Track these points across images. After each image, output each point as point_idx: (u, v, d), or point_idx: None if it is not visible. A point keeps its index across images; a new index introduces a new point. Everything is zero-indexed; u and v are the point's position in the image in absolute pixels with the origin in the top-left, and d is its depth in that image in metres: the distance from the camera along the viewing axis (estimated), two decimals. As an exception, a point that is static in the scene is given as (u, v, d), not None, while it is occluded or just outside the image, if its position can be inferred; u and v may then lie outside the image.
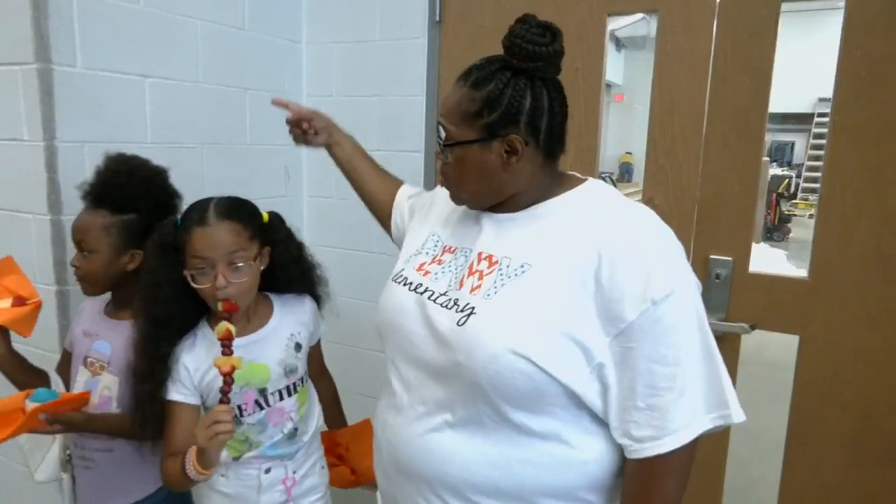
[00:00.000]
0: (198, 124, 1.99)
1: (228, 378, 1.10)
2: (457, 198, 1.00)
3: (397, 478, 0.97)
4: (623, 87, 16.50)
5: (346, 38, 2.28)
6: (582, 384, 0.84)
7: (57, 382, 1.39)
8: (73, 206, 1.65)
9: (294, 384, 1.32)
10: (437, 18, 2.10)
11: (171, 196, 1.48)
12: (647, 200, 1.83)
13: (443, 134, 0.94)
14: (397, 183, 1.38)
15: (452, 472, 0.90)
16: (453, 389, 0.89)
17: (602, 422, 0.88)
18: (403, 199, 1.32)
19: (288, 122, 1.41)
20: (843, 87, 1.54)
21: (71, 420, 1.23)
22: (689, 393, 0.84)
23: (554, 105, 0.92)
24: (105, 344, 1.38)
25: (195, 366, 1.24)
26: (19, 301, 1.30)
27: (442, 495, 0.91)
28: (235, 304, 1.18)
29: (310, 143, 1.41)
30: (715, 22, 1.66)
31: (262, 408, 1.27)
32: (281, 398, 1.29)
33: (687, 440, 0.84)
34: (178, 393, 1.23)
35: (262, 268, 1.27)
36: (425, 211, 1.17)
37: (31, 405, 1.15)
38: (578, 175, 1.00)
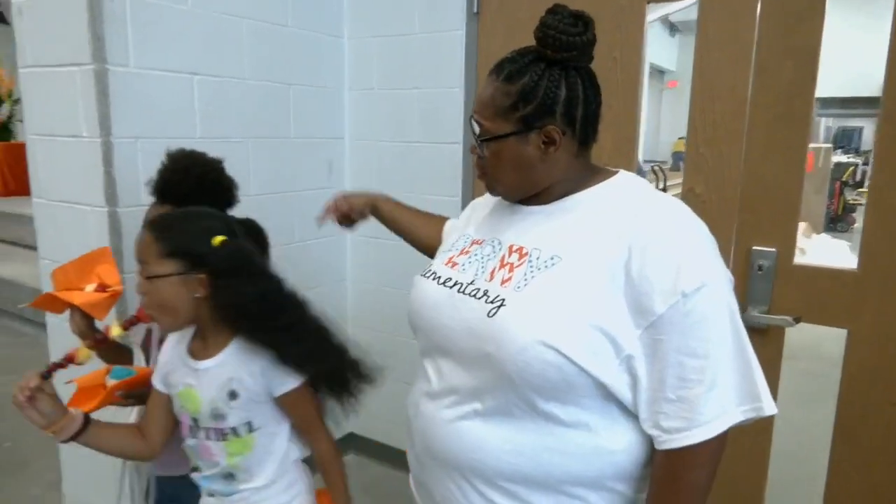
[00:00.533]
0: (244, 119, 2.06)
1: (63, 362, 1.14)
2: (493, 190, 1.01)
3: (429, 463, 1.00)
4: (677, 73, 16.02)
5: (386, 32, 2.31)
6: (611, 376, 0.85)
7: (139, 359, 1.48)
8: (128, 198, 1.75)
9: (222, 431, 1.20)
10: (475, 10, 2.10)
11: (226, 187, 1.50)
12: (688, 190, 1.80)
13: (477, 129, 0.96)
14: (442, 220, 1.40)
15: (482, 458, 0.92)
16: (483, 379, 0.91)
17: (630, 413, 0.88)
18: (448, 232, 1.34)
19: (338, 222, 1.43)
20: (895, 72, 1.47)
21: (144, 396, 1.30)
22: (720, 385, 0.83)
23: (588, 94, 0.92)
24: None
25: (163, 359, 1.28)
26: (101, 287, 1.40)
27: (472, 481, 0.93)
28: (146, 315, 1.18)
29: (356, 222, 1.45)
30: (758, 5, 1.61)
31: (194, 436, 1.24)
32: (208, 438, 1.21)
33: (717, 432, 0.83)
34: (154, 379, 1.27)
35: (196, 295, 1.13)
36: (462, 224, 1.18)
37: (110, 382, 1.26)
38: (610, 168, 1.00)
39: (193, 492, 1.45)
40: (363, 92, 2.42)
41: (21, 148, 5.74)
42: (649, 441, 0.89)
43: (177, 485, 1.44)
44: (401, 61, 2.31)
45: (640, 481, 0.93)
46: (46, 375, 1.11)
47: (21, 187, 5.92)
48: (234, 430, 1.19)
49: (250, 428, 1.20)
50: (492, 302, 0.90)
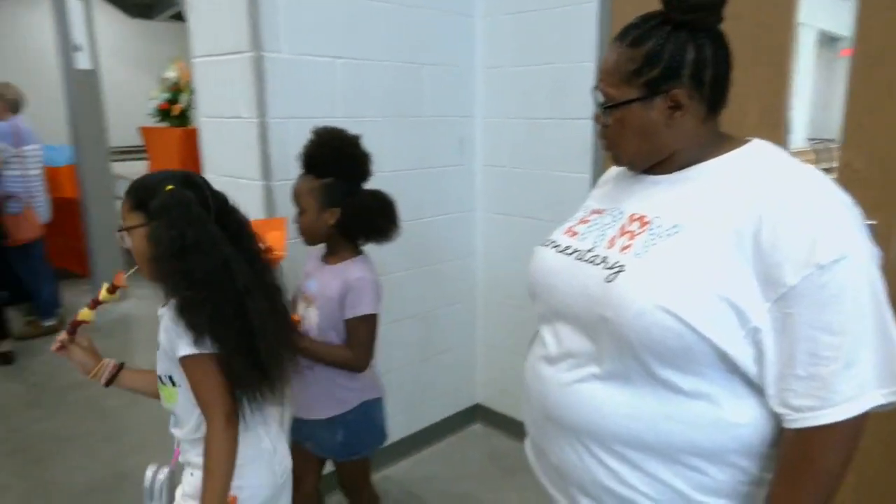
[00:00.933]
0: (380, 99, 2.18)
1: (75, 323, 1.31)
2: (618, 159, 1.01)
3: (546, 426, 1.02)
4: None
5: (518, 9, 2.32)
6: (735, 347, 0.82)
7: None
8: (280, 173, 1.94)
9: (160, 376, 1.26)
10: (610, -20, 2.04)
11: (360, 161, 1.62)
12: (845, 165, 1.64)
13: (600, 98, 0.96)
14: None
15: (598, 422, 0.92)
16: (601, 343, 0.91)
17: (757, 387, 0.85)
18: None
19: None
20: None
21: None
22: (859, 365, 0.78)
23: (718, 56, 0.88)
24: (314, 283, 1.64)
25: None
26: (267, 250, 1.60)
27: (588, 444, 0.94)
28: (120, 279, 1.27)
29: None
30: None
31: None
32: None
33: (853, 413, 0.78)
34: None
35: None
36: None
37: None
38: (740, 137, 0.95)
39: (325, 433, 1.60)
40: (494, 69, 2.45)
41: (194, 133, 6.47)
42: (777, 419, 0.85)
43: (313, 426, 1.62)
44: (532, 37, 2.30)
45: (766, 459, 0.89)
46: (71, 331, 1.32)
47: (198, 169, 6.68)
48: (161, 379, 1.26)
49: (172, 382, 1.23)
50: (610, 268, 0.90)
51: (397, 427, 2.48)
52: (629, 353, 0.86)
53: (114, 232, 3.27)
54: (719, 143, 0.93)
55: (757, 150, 0.92)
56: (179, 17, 7.87)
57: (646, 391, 0.88)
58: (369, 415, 1.64)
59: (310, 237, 1.63)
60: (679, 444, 0.87)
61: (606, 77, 0.94)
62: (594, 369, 0.92)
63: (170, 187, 1.15)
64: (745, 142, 0.93)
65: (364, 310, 1.55)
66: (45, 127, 4.60)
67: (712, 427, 0.86)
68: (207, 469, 1.15)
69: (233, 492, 1.18)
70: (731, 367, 0.84)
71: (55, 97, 4.34)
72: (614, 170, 1.11)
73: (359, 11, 2.06)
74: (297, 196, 1.60)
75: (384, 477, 2.40)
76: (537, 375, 1.03)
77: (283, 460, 1.33)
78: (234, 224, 1.25)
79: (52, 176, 4.37)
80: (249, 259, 1.22)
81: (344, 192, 1.56)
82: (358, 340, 1.56)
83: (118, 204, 5.50)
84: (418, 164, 2.36)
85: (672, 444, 0.88)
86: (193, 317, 1.11)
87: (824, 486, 0.82)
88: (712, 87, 0.89)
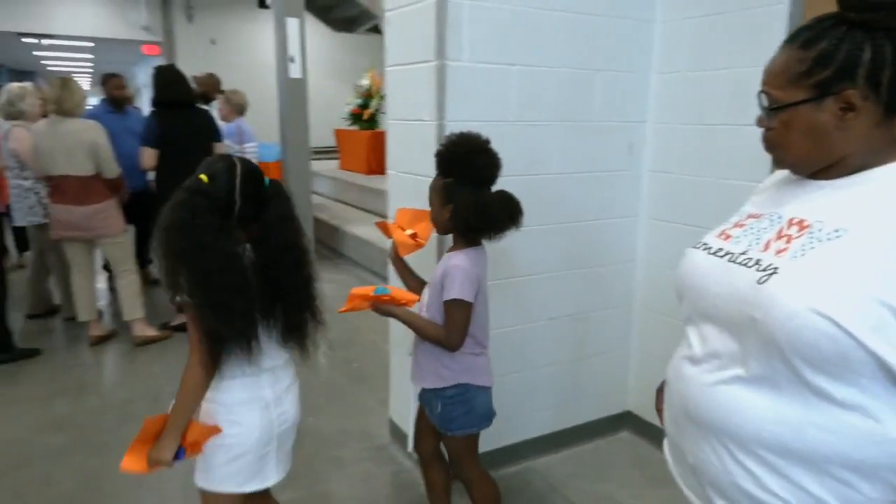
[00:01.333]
0: (551, 104, 2.28)
1: None
2: (781, 162, 1.00)
3: (686, 425, 1.03)
4: None
5: (699, 13, 2.27)
6: (895, 356, 0.80)
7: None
8: (452, 171, 2.12)
9: None
10: (801, -20, 1.93)
11: (479, 165, 1.73)
12: None
13: (765, 102, 0.97)
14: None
15: (740, 424, 0.92)
16: (747, 345, 0.91)
17: None
18: None
19: None
20: None
21: (388, 311, 1.75)
22: None
23: None
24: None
25: None
26: (413, 236, 1.90)
27: (728, 446, 0.94)
28: None
29: None
30: None
31: None
32: None
33: None
34: None
35: None
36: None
37: (372, 295, 1.74)
38: None
39: (430, 402, 1.84)
40: (669, 75, 2.42)
41: (383, 136, 7.07)
42: None
43: (424, 392, 1.85)
44: (713, 41, 2.24)
45: None
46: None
47: (380, 168, 7.29)
48: None
49: None
50: (763, 270, 0.90)
51: (545, 422, 2.56)
52: (777, 356, 0.86)
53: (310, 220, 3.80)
54: (895, 148, 0.90)
55: None
56: (377, 29, 8.62)
57: (794, 397, 0.87)
58: (467, 397, 1.76)
59: (437, 229, 1.84)
60: (828, 455, 0.85)
61: (772, 79, 0.95)
62: (739, 371, 0.92)
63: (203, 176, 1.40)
64: None
65: (453, 294, 1.67)
66: (260, 127, 5.35)
67: (867, 441, 0.83)
68: (179, 393, 1.43)
69: (225, 426, 1.45)
70: (892, 378, 0.81)
71: (271, 102, 5.02)
72: (776, 175, 1.09)
73: (535, 21, 2.17)
74: (429, 192, 1.80)
75: (527, 467, 2.48)
76: (680, 375, 1.05)
77: (285, 413, 1.54)
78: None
79: (263, 170, 5.08)
80: (267, 235, 1.46)
81: (461, 191, 1.70)
82: (451, 321, 1.70)
83: (314, 197, 6.20)
84: (584, 168, 2.41)
85: (820, 452, 0.85)
86: (170, 275, 1.37)
87: None
88: (890, 88, 0.86)
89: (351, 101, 8.44)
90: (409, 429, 2.04)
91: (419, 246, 1.90)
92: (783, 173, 1.06)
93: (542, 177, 2.32)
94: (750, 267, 0.93)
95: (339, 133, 8.90)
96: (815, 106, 0.90)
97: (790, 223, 0.94)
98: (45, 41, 11.72)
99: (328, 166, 8.71)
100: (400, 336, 2.52)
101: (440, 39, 2.02)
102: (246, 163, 1.49)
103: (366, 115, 8.25)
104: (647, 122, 2.51)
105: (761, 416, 0.90)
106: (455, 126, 2.09)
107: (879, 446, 0.82)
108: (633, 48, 2.41)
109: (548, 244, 2.40)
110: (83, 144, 3.48)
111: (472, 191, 1.70)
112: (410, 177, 2.29)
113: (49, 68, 18.24)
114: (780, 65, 0.93)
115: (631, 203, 2.57)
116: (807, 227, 0.91)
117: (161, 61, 11.40)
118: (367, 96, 8.27)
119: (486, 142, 1.76)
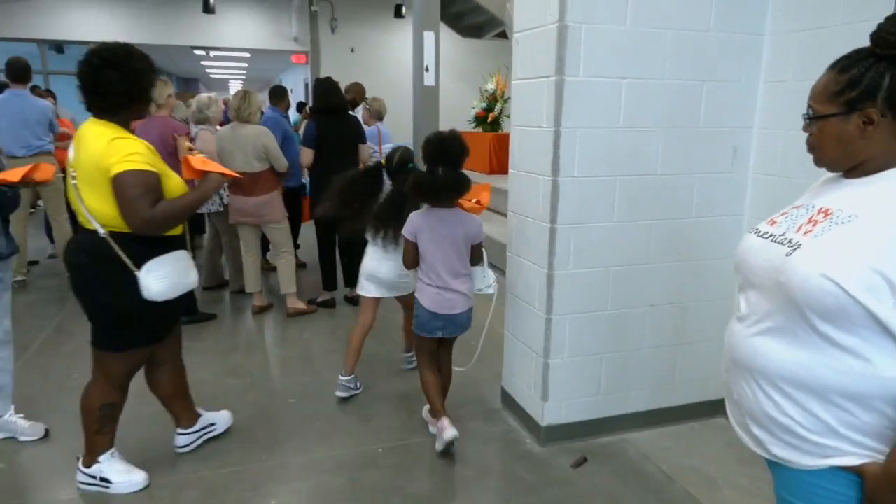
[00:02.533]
0: (658, 111, 2.54)
1: None
2: (818, 161, 1.26)
3: (732, 368, 1.32)
4: None
5: (807, 26, 2.43)
6: (884, 311, 1.03)
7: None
8: (566, 170, 2.45)
9: None
10: (906, -4, 2.06)
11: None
12: None
13: (810, 112, 1.23)
14: None
15: (768, 365, 1.19)
16: (776, 303, 1.18)
17: None
18: None
19: None
20: None
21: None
22: None
23: None
24: None
25: None
26: (477, 202, 2.77)
27: (759, 382, 1.22)
28: None
29: None
30: None
31: None
32: None
33: None
34: None
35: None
36: None
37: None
38: None
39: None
40: (776, 84, 2.58)
41: (506, 138, 7.45)
42: None
43: None
44: (820, 52, 2.39)
45: None
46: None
47: (502, 167, 7.68)
48: None
49: None
50: (791, 246, 1.18)
51: (641, 399, 2.82)
52: (796, 310, 1.14)
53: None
54: None
55: None
56: (503, 35, 9.02)
57: (808, 343, 1.14)
58: (418, 309, 2.67)
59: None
60: (832, 387, 1.11)
61: (816, 96, 1.21)
62: (769, 324, 1.21)
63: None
64: None
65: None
66: (396, 130, 5.93)
67: (861, 377, 1.08)
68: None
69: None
70: (883, 329, 1.06)
71: (402, 103, 5.57)
72: (823, 175, 1.34)
73: (647, 40, 2.45)
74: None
75: (622, 438, 2.76)
76: (730, 331, 1.35)
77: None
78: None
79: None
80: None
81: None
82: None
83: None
84: (688, 170, 2.64)
85: (826, 386, 1.12)
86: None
87: None
88: None
89: (476, 105, 8.89)
90: (520, 397, 2.39)
91: (483, 208, 2.79)
92: (828, 174, 1.31)
93: (648, 177, 2.59)
94: (783, 245, 1.20)
95: (464, 135, 9.38)
96: (844, 119, 1.15)
97: (819, 211, 1.20)
98: (212, 53, 13.35)
99: (453, 166, 9.19)
100: (511, 321, 2.89)
101: (560, 58, 2.36)
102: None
103: (490, 118, 8.67)
104: (754, 128, 2.69)
105: (783, 357, 1.17)
106: (568, 132, 2.43)
107: (871, 381, 1.08)
108: (740, 59, 2.60)
109: (651, 237, 2.65)
110: (256, 147, 4.18)
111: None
112: (529, 175, 2.65)
113: (211, 76, 20.53)
114: (822, 85, 1.20)
115: (736, 203, 2.75)
116: (830, 214, 1.17)
117: (306, 69, 12.59)
118: (492, 100, 8.67)
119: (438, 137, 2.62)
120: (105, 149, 2.07)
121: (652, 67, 2.49)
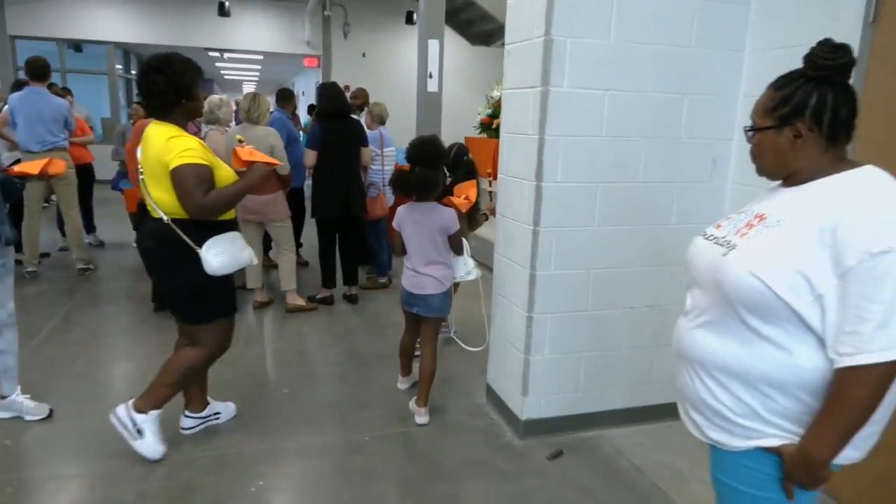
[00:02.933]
0: (640, 123, 2.66)
1: None
2: (759, 170, 1.38)
3: (677, 359, 1.44)
4: None
5: (785, 44, 2.54)
6: (803, 306, 1.15)
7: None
8: (549, 176, 2.57)
9: None
10: (872, 19, 2.17)
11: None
12: None
13: (749, 124, 1.35)
14: None
15: (703, 355, 1.32)
16: (713, 299, 1.30)
17: (821, 341, 1.17)
18: None
19: None
20: None
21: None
22: (891, 327, 1.07)
23: (838, 102, 1.22)
24: None
25: None
26: (466, 198, 3.06)
27: (697, 371, 1.34)
28: None
29: None
30: None
31: None
32: None
33: (880, 360, 1.07)
34: None
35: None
36: None
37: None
38: (860, 162, 1.25)
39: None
40: (756, 98, 2.69)
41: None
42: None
43: None
44: (795, 68, 2.50)
45: (823, 398, 1.18)
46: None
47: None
48: None
49: None
50: (728, 247, 1.30)
51: (619, 397, 2.93)
52: (728, 305, 1.26)
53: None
54: (837, 167, 1.25)
55: (864, 172, 1.22)
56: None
57: (737, 334, 1.26)
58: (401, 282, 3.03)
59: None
60: (757, 375, 1.23)
61: (756, 111, 1.34)
62: (706, 317, 1.33)
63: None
64: (859, 166, 1.23)
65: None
66: (399, 134, 6.08)
67: (781, 366, 1.21)
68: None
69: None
70: (802, 323, 1.18)
71: (409, 112, 5.72)
72: (771, 184, 1.46)
73: (630, 54, 2.57)
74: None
75: (599, 434, 2.87)
76: (677, 326, 1.47)
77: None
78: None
79: (400, 171, 5.82)
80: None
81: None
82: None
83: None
84: (668, 178, 2.76)
85: (752, 374, 1.24)
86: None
87: (852, 412, 1.12)
88: (830, 126, 1.23)
89: (482, 111, 9.03)
90: (502, 392, 2.51)
91: (471, 203, 3.14)
92: (773, 183, 1.43)
93: (630, 185, 2.71)
94: (722, 245, 1.33)
95: (469, 141, 9.54)
96: (777, 132, 1.28)
97: (755, 216, 1.32)
98: (225, 55, 13.60)
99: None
100: (497, 319, 3.02)
101: (545, 70, 2.49)
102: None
103: (495, 125, 8.80)
104: (734, 140, 2.80)
105: (716, 348, 1.30)
106: (552, 140, 2.56)
107: (791, 370, 1.20)
108: (721, 74, 2.72)
109: (632, 242, 2.77)
110: (264, 147, 4.32)
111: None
112: (515, 180, 2.77)
113: (225, 77, 20.83)
114: (761, 100, 1.32)
115: (715, 211, 2.86)
116: (764, 218, 1.29)
117: (318, 72, 12.79)
118: (497, 107, 8.80)
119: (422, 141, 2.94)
120: (164, 146, 2.34)
121: (634, 80, 2.61)
